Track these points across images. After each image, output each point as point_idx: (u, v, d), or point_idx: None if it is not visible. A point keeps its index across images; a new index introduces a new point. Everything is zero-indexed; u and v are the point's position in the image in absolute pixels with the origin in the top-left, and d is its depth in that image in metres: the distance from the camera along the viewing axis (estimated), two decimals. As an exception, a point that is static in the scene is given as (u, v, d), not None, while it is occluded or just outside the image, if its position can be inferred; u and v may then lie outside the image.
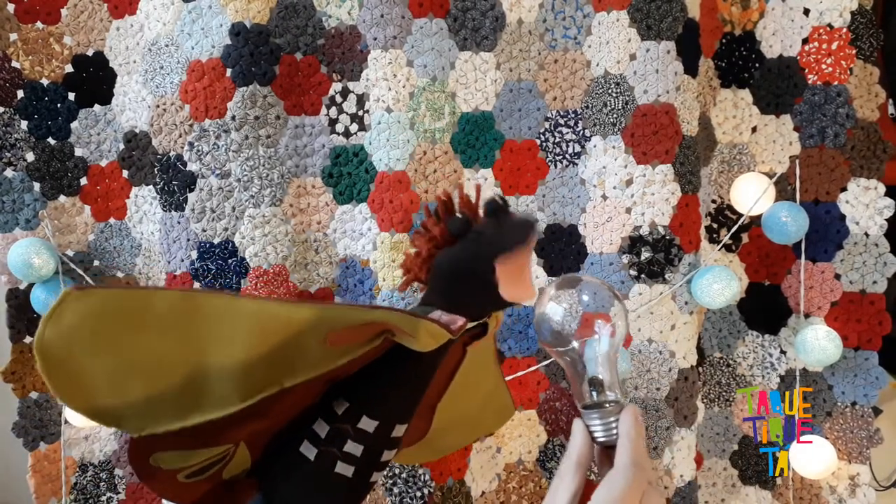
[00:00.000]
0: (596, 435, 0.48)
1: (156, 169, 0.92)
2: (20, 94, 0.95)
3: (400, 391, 0.57)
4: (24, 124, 0.96)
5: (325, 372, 0.49)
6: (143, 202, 0.97)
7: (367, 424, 0.55)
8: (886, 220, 0.90)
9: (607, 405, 0.49)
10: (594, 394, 0.50)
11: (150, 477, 0.51)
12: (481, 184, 0.58)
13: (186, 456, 0.52)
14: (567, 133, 0.92)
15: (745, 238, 0.98)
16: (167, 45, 0.89)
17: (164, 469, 0.51)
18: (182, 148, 0.89)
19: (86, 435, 1.02)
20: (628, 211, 0.89)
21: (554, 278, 0.54)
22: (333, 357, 0.49)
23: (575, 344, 0.51)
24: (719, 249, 0.96)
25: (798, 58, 0.91)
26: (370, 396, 0.57)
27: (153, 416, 0.47)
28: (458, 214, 0.55)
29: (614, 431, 0.47)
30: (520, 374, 0.95)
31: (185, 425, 0.47)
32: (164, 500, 0.94)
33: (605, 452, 0.48)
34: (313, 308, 0.48)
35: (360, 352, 0.50)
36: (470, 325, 0.54)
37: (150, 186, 0.96)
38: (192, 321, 0.46)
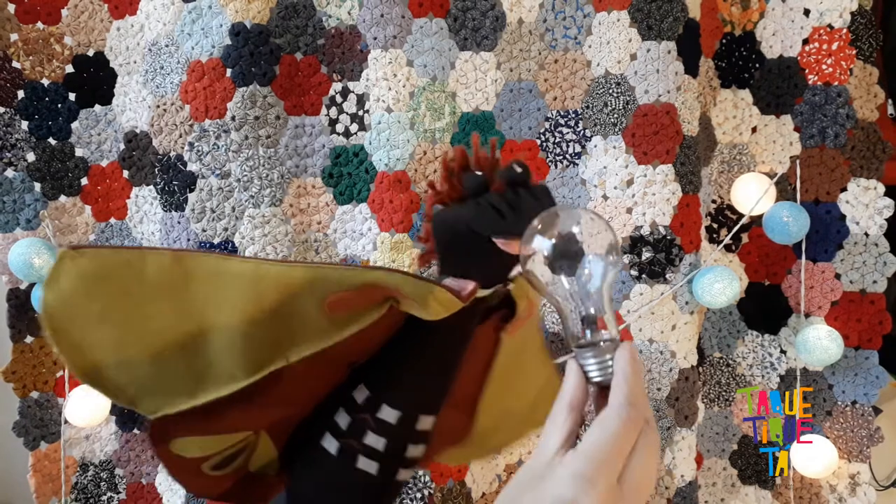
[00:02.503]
0: (590, 374, 0.44)
1: (156, 169, 0.92)
2: (21, 94, 0.95)
3: (419, 376, 0.54)
4: (24, 124, 0.96)
5: (331, 345, 0.47)
6: (144, 202, 0.98)
7: (389, 415, 0.52)
8: (886, 219, 0.90)
9: (602, 343, 0.45)
10: (588, 332, 0.46)
11: (176, 467, 0.51)
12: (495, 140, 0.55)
13: (206, 443, 0.51)
14: (567, 133, 0.92)
15: (744, 238, 0.98)
16: (167, 46, 0.89)
17: (187, 459, 0.50)
18: (182, 148, 0.89)
19: (86, 434, 1.02)
20: (629, 211, 0.90)
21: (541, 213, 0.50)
22: (337, 327, 0.47)
23: (564, 279, 0.47)
24: (719, 249, 0.96)
25: (798, 58, 0.91)
26: (388, 382, 0.54)
27: (163, 393, 0.47)
28: (476, 172, 0.51)
29: (610, 370, 0.44)
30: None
31: (196, 404, 0.47)
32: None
33: (602, 393, 0.44)
34: (307, 267, 0.47)
35: (364, 322, 0.47)
36: (483, 292, 0.51)
37: (151, 186, 0.96)
38: (184, 284, 0.46)
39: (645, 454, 0.39)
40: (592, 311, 0.46)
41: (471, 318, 0.53)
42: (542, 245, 0.47)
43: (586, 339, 0.46)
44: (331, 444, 0.53)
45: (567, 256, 0.46)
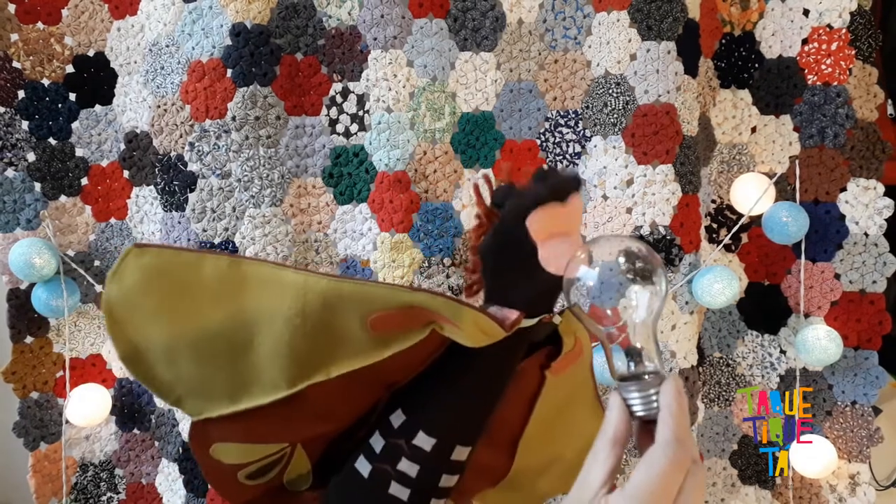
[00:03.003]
0: (634, 409, 0.43)
1: (156, 169, 0.93)
2: (21, 94, 0.95)
3: (457, 404, 0.53)
4: (25, 124, 0.96)
5: (372, 364, 0.47)
6: (144, 202, 0.98)
7: (424, 441, 0.51)
8: (886, 219, 0.90)
9: (646, 376, 0.44)
10: (631, 364, 0.45)
11: (213, 472, 0.51)
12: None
13: (244, 451, 0.51)
14: (567, 133, 0.92)
15: (744, 238, 0.98)
16: (168, 46, 0.89)
17: (225, 465, 0.51)
18: (183, 148, 0.89)
19: (86, 435, 1.02)
20: (629, 211, 0.90)
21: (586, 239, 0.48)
22: (379, 346, 0.47)
23: (610, 311, 0.45)
24: (719, 249, 0.97)
25: (797, 58, 0.92)
26: (427, 409, 0.53)
27: (207, 396, 0.48)
28: (501, 183, 0.51)
29: (654, 405, 0.42)
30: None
31: (237, 410, 0.48)
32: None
33: (645, 428, 0.43)
34: (355, 283, 0.47)
35: (406, 343, 0.47)
36: (527, 322, 0.50)
37: (151, 187, 0.96)
38: (239, 289, 0.47)
39: (692, 497, 0.37)
40: (637, 343, 0.45)
41: (514, 350, 0.53)
42: (585, 274, 0.46)
43: (629, 371, 0.45)
44: (364, 468, 0.53)
45: (612, 287, 0.45)
